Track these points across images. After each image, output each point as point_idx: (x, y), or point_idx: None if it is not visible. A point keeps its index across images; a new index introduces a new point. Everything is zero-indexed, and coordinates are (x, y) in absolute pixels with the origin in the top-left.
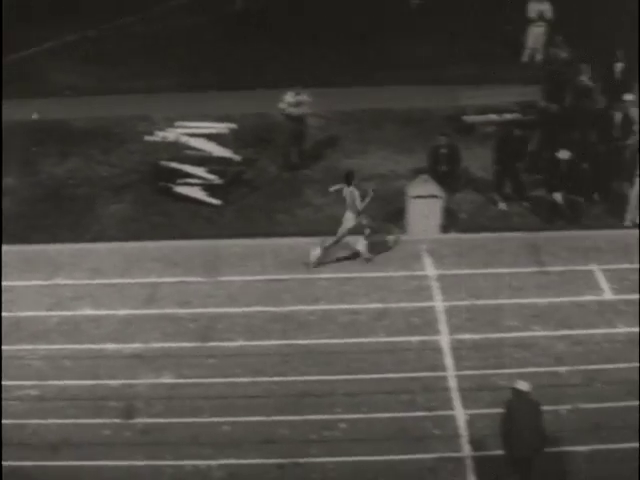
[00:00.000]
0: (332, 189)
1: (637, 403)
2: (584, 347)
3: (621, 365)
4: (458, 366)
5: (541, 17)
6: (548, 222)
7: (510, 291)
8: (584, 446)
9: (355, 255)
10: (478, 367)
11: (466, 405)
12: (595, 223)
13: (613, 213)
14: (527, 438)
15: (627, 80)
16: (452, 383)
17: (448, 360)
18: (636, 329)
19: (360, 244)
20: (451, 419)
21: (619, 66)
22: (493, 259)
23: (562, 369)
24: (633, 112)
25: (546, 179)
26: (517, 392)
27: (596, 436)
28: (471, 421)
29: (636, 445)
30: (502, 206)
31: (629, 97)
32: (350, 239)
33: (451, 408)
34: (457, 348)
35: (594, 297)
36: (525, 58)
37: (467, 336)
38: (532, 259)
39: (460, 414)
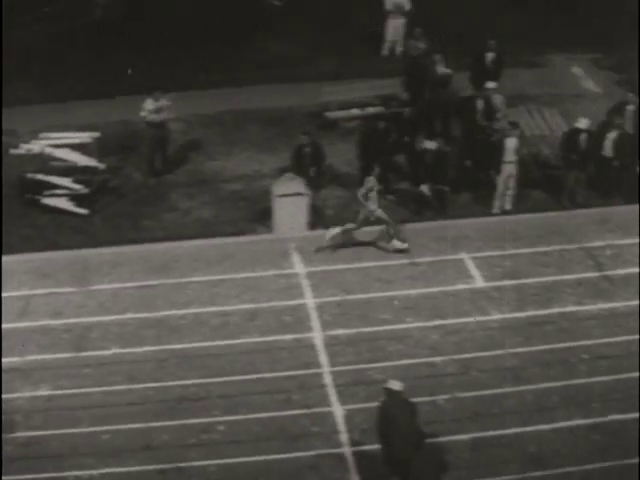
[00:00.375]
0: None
1: (514, 389)
2: (458, 336)
3: (496, 352)
4: (333, 362)
5: (399, 9)
6: (415, 213)
7: (380, 284)
8: (465, 434)
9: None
10: (353, 362)
11: (343, 401)
12: (463, 212)
13: (480, 201)
14: (404, 440)
15: (496, 69)
16: (328, 379)
17: (322, 357)
18: (509, 315)
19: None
20: (329, 415)
21: (490, 56)
22: (362, 253)
23: (437, 359)
24: (496, 99)
25: (412, 171)
26: (390, 392)
27: (475, 424)
28: (349, 416)
29: (517, 430)
30: None
31: (491, 85)
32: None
33: (328, 405)
34: (331, 344)
35: (465, 285)
36: (385, 51)
37: (340, 332)
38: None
39: (337, 410)
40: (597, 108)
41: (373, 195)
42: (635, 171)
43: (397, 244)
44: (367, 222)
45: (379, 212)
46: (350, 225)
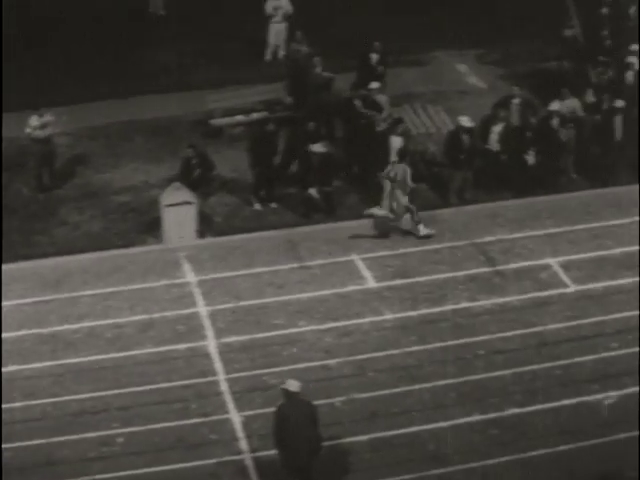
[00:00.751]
0: (385, 173)
1: (411, 388)
2: (352, 337)
3: (391, 352)
4: (228, 369)
5: (280, 13)
6: (305, 217)
7: (272, 289)
8: (363, 435)
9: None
10: (248, 368)
11: (240, 407)
12: (352, 213)
13: (369, 202)
14: (303, 442)
15: (381, 70)
16: (224, 387)
17: (217, 364)
18: (403, 314)
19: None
20: (227, 423)
21: (374, 57)
22: (252, 259)
23: (332, 362)
24: (380, 99)
25: (300, 174)
26: (287, 393)
27: (374, 424)
28: (247, 423)
29: (416, 429)
30: (257, 207)
31: (375, 85)
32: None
33: (226, 412)
34: (225, 351)
35: (357, 287)
36: (268, 56)
37: (234, 338)
38: (291, 255)
39: (235, 417)
40: (482, 103)
41: (403, 184)
42: (523, 164)
43: (424, 230)
44: (406, 210)
45: (405, 200)
46: (390, 215)
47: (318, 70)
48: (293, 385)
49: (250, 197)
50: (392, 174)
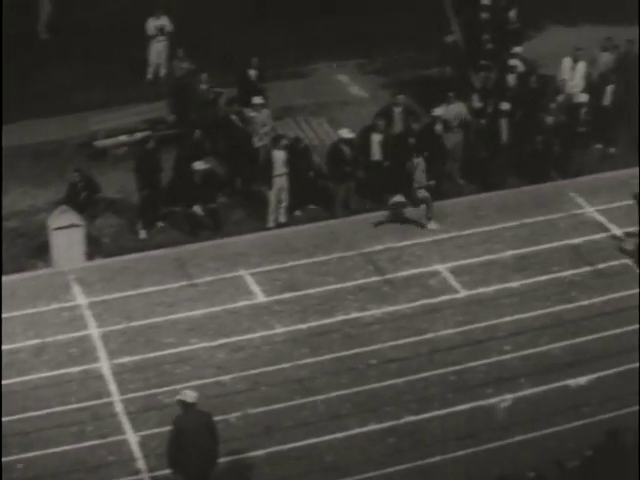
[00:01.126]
0: (412, 164)
1: (306, 400)
2: (244, 353)
3: (283, 365)
4: (122, 390)
5: (161, 32)
6: (191, 235)
7: (162, 308)
8: (260, 450)
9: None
10: (142, 388)
11: (136, 428)
12: (238, 228)
13: (255, 216)
14: (201, 454)
15: (261, 85)
16: (119, 408)
17: (112, 386)
18: (293, 327)
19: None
20: (124, 444)
21: (253, 72)
22: (141, 279)
23: (226, 377)
24: (263, 114)
25: (184, 192)
26: (184, 404)
27: (270, 438)
28: (143, 443)
29: (313, 441)
30: (142, 234)
31: (257, 100)
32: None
33: (122, 433)
34: (119, 372)
35: (247, 302)
36: (150, 75)
37: (127, 359)
38: (179, 274)
39: (132, 437)
40: (364, 113)
41: (422, 175)
42: (406, 172)
43: (433, 225)
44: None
45: (424, 192)
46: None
47: (204, 86)
48: (189, 396)
49: (136, 223)
50: (412, 167)
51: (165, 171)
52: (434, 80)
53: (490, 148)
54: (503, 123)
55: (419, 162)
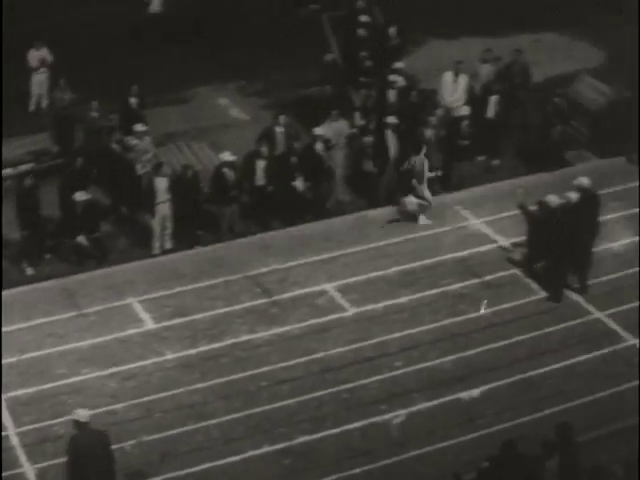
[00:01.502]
0: (410, 162)
1: (199, 425)
2: (136, 380)
3: (175, 391)
4: (17, 423)
5: (42, 63)
6: (78, 265)
7: (53, 339)
8: (157, 477)
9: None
10: (37, 420)
11: (33, 460)
12: (125, 257)
13: (141, 244)
14: (98, 473)
15: (141, 112)
16: (15, 441)
17: (6, 419)
18: (183, 353)
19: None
20: (21, 477)
21: (133, 100)
22: (31, 311)
23: (119, 406)
24: (145, 141)
25: (67, 223)
26: (78, 424)
27: (166, 465)
28: (41, 475)
29: (208, 465)
30: (29, 271)
31: (139, 127)
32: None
33: (19, 465)
34: (13, 405)
35: (136, 330)
36: (32, 107)
37: (21, 392)
38: (69, 304)
39: (29, 470)
40: (246, 135)
41: (420, 174)
42: (291, 191)
43: (426, 221)
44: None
45: (422, 189)
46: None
47: (94, 115)
48: (82, 415)
49: (21, 261)
50: (411, 166)
51: (50, 203)
52: (315, 99)
53: (378, 164)
54: (390, 137)
55: (422, 159)
